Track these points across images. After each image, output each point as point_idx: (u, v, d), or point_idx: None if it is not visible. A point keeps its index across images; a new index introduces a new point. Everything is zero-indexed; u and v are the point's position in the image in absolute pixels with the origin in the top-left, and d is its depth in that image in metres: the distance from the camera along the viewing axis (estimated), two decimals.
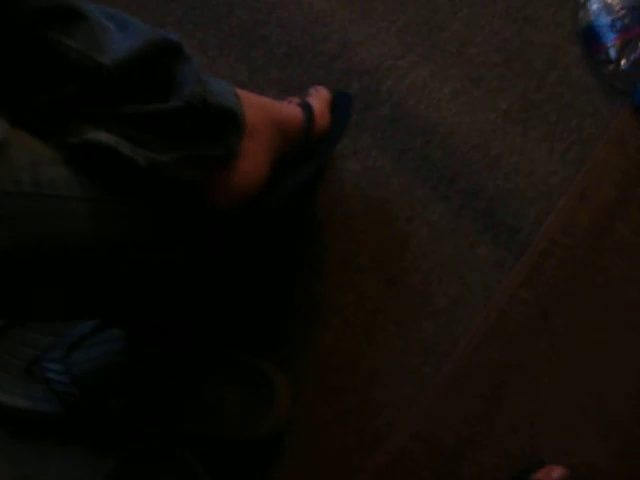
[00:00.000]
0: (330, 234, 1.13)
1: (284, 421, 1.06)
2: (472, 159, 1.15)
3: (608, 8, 1.16)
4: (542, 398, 1.09)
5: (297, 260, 1.13)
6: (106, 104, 0.73)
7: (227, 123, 0.80)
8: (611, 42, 1.16)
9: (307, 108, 0.96)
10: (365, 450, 1.08)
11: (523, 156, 1.15)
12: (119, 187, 0.76)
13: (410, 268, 1.13)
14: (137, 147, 0.74)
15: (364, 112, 1.15)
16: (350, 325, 1.11)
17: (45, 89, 0.71)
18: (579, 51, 1.19)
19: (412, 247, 1.13)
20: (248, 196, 0.85)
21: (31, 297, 0.73)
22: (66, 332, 1.06)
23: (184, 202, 0.82)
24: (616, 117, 1.17)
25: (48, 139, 0.72)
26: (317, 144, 0.97)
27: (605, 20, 1.17)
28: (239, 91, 0.84)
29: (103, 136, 0.72)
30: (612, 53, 1.16)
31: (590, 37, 1.18)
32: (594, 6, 1.17)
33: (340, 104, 1.02)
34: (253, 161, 0.84)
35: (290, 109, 0.94)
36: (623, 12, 1.16)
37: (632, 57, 1.15)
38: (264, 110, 0.87)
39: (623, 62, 1.16)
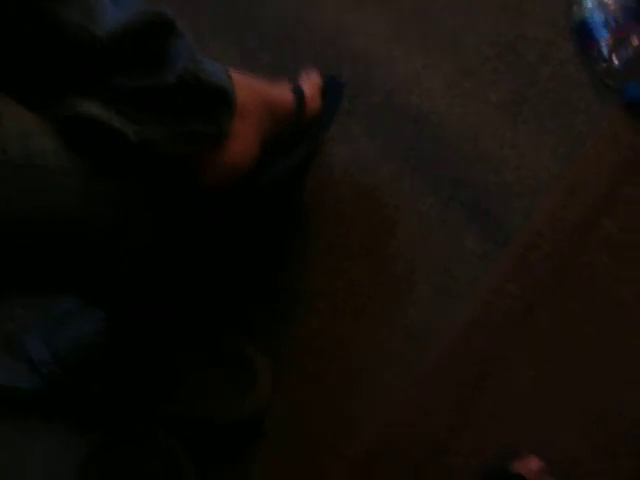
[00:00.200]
0: (319, 219, 1.14)
1: (265, 403, 1.06)
2: (462, 151, 1.15)
3: (602, 6, 1.17)
4: (525, 390, 1.10)
5: (285, 244, 1.13)
6: (98, 77, 0.73)
7: (218, 102, 0.80)
8: (604, 39, 1.16)
9: (298, 91, 0.96)
10: (346, 436, 1.08)
11: (513, 150, 1.16)
12: (109, 162, 0.75)
13: (397, 255, 1.13)
14: (128, 121, 0.74)
15: (355, 99, 1.15)
16: (336, 310, 1.12)
17: (38, 60, 0.71)
18: (572, 47, 1.19)
19: (399, 235, 1.13)
20: (237, 177, 0.85)
21: (14, 268, 0.72)
22: (49, 309, 1.06)
23: (174, 180, 0.82)
24: (607, 114, 1.17)
25: (39, 111, 0.72)
26: (307, 128, 0.97)
27: (599, 17, 1.17)
28: (232, 71, 0.84)
29: (95, 109, 0.72)
30: (605, 50, 1.16)
31: (583, 34, 1.18)
32: (588, 3, 1.18)
33: (331, 89, 1.02)
34: (243, 141, 0.84)
35: (281, 91, 0.95)
36: (617, 10, 1.16)
37: (625, 55, 1.16)
38: (255, 91, 0.87)
39: (615, 60, 1.16)
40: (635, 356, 1.11)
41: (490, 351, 1.11)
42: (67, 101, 0.72)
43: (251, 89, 0.87)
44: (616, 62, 1.16)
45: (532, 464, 1.04)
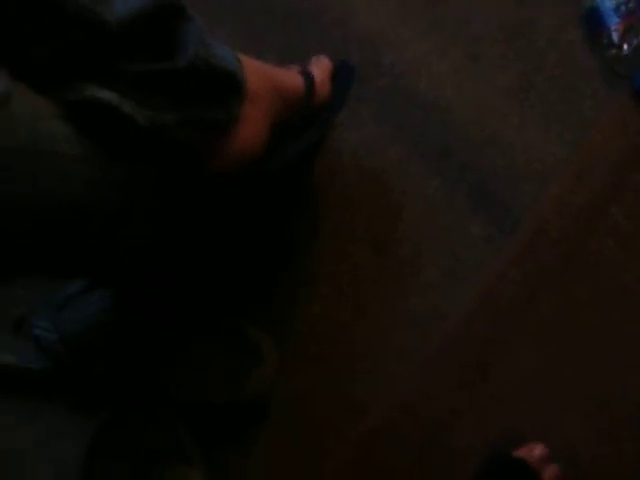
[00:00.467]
0: (326, 203, 1.14)
1: (269, 386, 1.07)
2: (469, 135, 1.15)
3: None
4: (528, 374, 1.10)
5: (292, 228, 1.13)
6: (108, 62, 0.72)
7: (229, 87, 0.80)
8: (614, 26, 1.16)
9: (308, 76, 0.96)
10: (350, 420, 1.09)
11: (520, 135, 1.15)
12: (119, 147, 0.75)
13: (403, 240, 1.13)
14: (138, 106, 0.73)
15: (363, 83, 1.15)
16: (340, 294, 1.12)
17: (48, 43, 0.70)
18: (581, 33, 1.19)
19: (406, 219, 1.14)
20: (247, 162, 0.85)
21: (19, 251, 0.73)
22: (56, 291, 1.07)
23: (184, 167, 0.81)
24: (615, 101, 1.17)
25: (49, 95, 0.72)
26: (317, 113, 0.97)
27: (609, 3, 1.16)
28: (241, 56, 0.83)
29: (104, 94, 0.72)
30: (615, 37, 1.16)
31: (593, 20, 1.18)
32: None
33: (341, 74, 1.01)
34: (253, 127, 0.84)
35: (291, 76, 0.94)
36: None
37: (634, 42, 1.15)
38: (265, 76, 0.87)
39: (625, 47, 1.16)
40: (637, 340, 1.11)
41: (493, 335, 1.11)
42: (76, 86, 0.72)
43: (261, 74, 0.86)
44: (626, 48, 1.15)
45: (536, 450, 1.05)
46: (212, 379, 1.06)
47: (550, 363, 1.11)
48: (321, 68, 1.00)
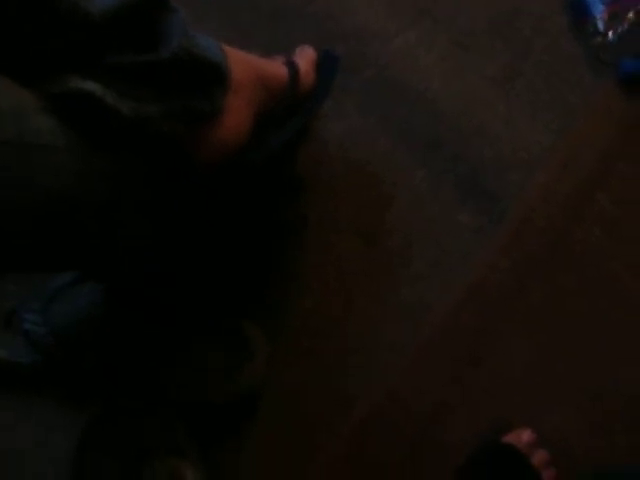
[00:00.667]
0: (312, 194, 1.14)
1: (260, 380, 1.07)
2: (455, 125, 1.16)
3: None
4: (518, 365, 1.11)
5: (278, 221, 1.14)
6: (92, 54, 0.72)
7: (212, 77, 0.80)
8: (599, 14, 1.16)
9: (292, 66, 0.96)
10: (341, 414, 1.09)
11: (506, 124, 1.16)
12: (104, 139, 0.75)
13: (391, 231, 1.13)
14: (122, 98, 0.73)
15: (349, 75, 1.15)
16: (329, 288, 1.12)
17: (30, 36, 0.70)
18: (567, 21, 1.19)
19: (393, 210, 1.14)
20: (231, 152, 0.85)
21: (8, 246, 0.73)
22: (45, 284, 1.07)
23: (168, 158, 0.82)
24: (601, 89, 1.18)
25: (33, 88, 0.72)
26: (302, 103, 0.97)
27: None
28: (225, 47, 0.84)
29: (88, 85, 0.72)
30: (600, 25, 1.16)
31: (578, 8, 1.18)
32: None
33: (325, 64, 1.02)
34: (237, 117, 0.84)
35: (275, 66, 0.94)
36: None
37: (619, 30, 1.16)
38: (249, 66, 0.87)
39: (610, 34, 1.16)
40: (628, 330, 1.12)
41: (483, 325, 1.11)
42: (61, 78, 0.72)
43: (245, 64, 0.86)
44: (611, 36, 1.16)
45: (524, 436, 1.06)
46: (203, 374, 1.06)
47: (541, 353, 1.11)
48: (305, 58, 1.00)
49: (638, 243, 1.14)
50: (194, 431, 1.05)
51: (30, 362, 1.06)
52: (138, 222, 0.83)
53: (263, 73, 0.90)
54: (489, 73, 1.17)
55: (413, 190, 1.14)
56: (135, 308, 1.04)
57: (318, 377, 1.10)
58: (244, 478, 1.08)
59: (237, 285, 1.12)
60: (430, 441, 1.09)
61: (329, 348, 1.11)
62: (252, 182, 0.95)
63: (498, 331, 1.11)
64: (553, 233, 1.13)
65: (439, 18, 1.19)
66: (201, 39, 0.79)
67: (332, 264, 1.13)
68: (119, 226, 0.81)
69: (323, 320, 1.11)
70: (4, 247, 0.71)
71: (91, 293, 1.03)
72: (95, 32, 0.71)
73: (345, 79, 1.14)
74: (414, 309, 1.12)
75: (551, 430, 1.08)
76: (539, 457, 1.05)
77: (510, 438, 1.06)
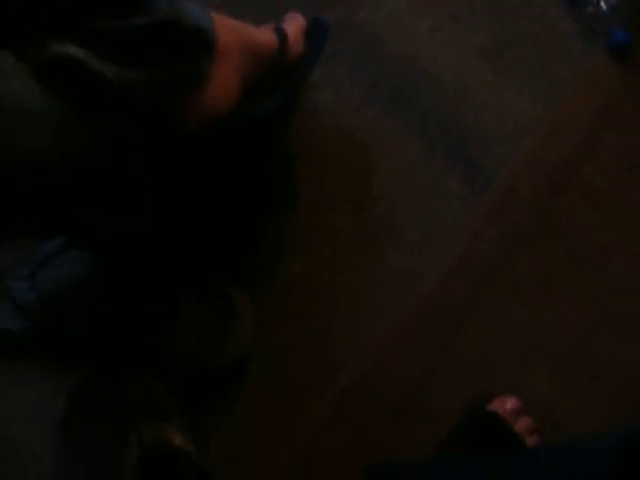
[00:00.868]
0: (302, 162, 1.14)
1: (248, 345, 1.08)
2: (444, 94, 1.16)
3: None
4: (503, 334, 1.12)
5: (269, 187, 1.14)
6: (76, 18, 0.72)
7: (199, 43, 0.80)
8: None
9: (280, 33, 0.96)
10: (328, 379, 1.10)
11: (494, 93, 1.16)
12: (89, 104, 0.75)
13: (379, 198, 1.14)
14: (107, 63, 0.73)
15: (338, 42, 1.14)
16: (319, 253, 1.13)
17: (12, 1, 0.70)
18: None
19: (382, 177, 1.14)
20: (219, 118, 0.85)
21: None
22: (32, 252, 1.07)
23: (155, 122, 0.81)
24: (590, 60, 1.18)
25: (13, 52, 0.72)
26: (291, 70, 0.97)
27: None
28: (212, 13, 0.83)
29: (72, 49, 0.72)
30: None
31: None
32: None
33: (315, 31, 1.01)
34: (224, 83, 0.84)
35: (263, 33, 0.94)
36: None
37: (611, 0, 1.15)
38: (237, 33, 0.87)
39: (603, 4, 1.16)
40: (612, 302, 1.13)
41: (468, 294, 1.12)
42: (45, 42, 0.71)
43: (233, 31, 0.86)
44: (604, 6, 1.15)
45: (508, 403, 1.07)
46: (190, 339, 1.06)
47: (525, 323, 1.12)
48: (294, 25, 1.00)
49: (624, 215, 1.15)
50: (183, 395, 1.06)
51: (18, 329, 1.06)
52: (122, 184, 0.83)
53: (251, 40, 0.89)
54: (477, 42, 1.17)
55: (402, 157, 1.14)
56: (123, 274, 1.05)
57: (306, 342, 1.11)
58: (232, 441, 1.08)
59: (226, 249, 1.12)
60: (416, 407, 1.10)
61: (317, 313, 1.12)
62: (242, 146, 0.95)
63: (484, 301, 1.12)
64: (538, 203, 1.14)
65: None
66: (187, 5, 0.78)
67: (322, 231, 1.13)
68: (111, 192, 0.81)
69: (311, 285, 1.12)
70: None
71: (78, 259, 1.03)
72: None
73: (334, 46, 1.13)
74: (402, 276, 1.12)
75: (535, 397, 1.09)
76: (523, 424, 1.06)
77: (494, 405, 1.07)
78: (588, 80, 1.17)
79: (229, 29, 0.85)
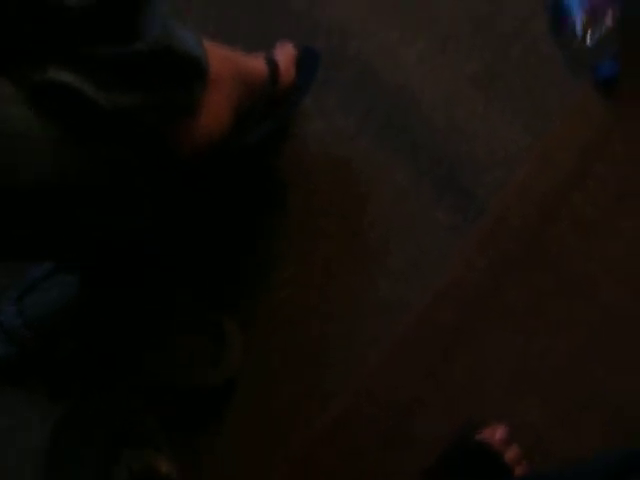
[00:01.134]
0: (292, 191, 1.14)
1: (234, 370, 1.08)
2: (435, 123, 1.16)
3: None
4: (493, 363, 1.12)
5: (259, 214, 1.14)
6: (70, 43, 0.72)
7: (191, 71, 0.80)
8: (578, 17, 1.17)
9: (271, 62, 0.96)
10: (315, 407, 1.10)
11: (485, 123, 1.17)
12: (81, 130, 0.75)
13: (369, 227, 1.14)
14: (100, 89, 0.73)
15: (329, 71, 1.15)
16: (307, 281, 1.13)
17: (7, 26, 0.70)
18: (547, 24, 1.20)
19: (373, 207, 1.15)
20: (210, 145, 0.85)
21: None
22: (20, 275, 1.06)
23: (146, 149, 0.82)
24: (579, 92, 1.19)
25: (8, 77, 0.72)
26: (282, 99, 0.97)
27: None
28: (204, 41, 0.84)
29: (66, 76, 0.72)
30: (578, 28, 1.16)
31: (558, 10, 1.19)
32: None
33: (306, 60, 1.02)
34: (216, 111, 0.85)
35: (254, 62, 0.95)
36: None
37: (597, 34, 1.16)
38: (228, 61, 0.87)
39: (588, 38, 1.17)
40: (602, 332, 1.13)
41: (458, 322, 1.12)
42: (39, 68, 0.72)
43: (224, 59, 0.86)
44: (589, 40, 1.16)
45: (498, 432, 1.06)
46: (177, 364, 1.06)
47: (514, 352, 1.12)
48: (285, 54, 1.00)
49: (614, 244, 1.15)
50: (170, 419, 1.06)
51: (4, 353, 1.06)
52: (115, 209, 0.83)
53: (242, 68, 0.90)
54: (469, 73, 1.18)
55: (393, 188, 1.15)
56: (112, 299, 1.04)
57: (291, 368, 1.11)
58: (224, 463, 1.08)
59: (213, 275, 1.12)
60: (404, 436, 1.09)
61: (305, 340, 1.12)
62: (231, 175, 0.95)
63: (474, 329, 1.12)
64: (528, 232, 1.14)
65: (421, 17, 1.19)
66: (181, 32, 0.79)
67: (311, 260, 1.13)
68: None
69: (300, 311, 1.12)
70: None
71: (66, 283, 1.03)
72: (74, 21, 0.71)
73: (326, 76, 1.14)
74: (391, 305, 1.12)
75: (524, 426, 1.09)
76: (512, 453, 1.06)
77: (484, 434, 1.06)
78: (577, 111, 1.18)
79: (221, 57, 0.86)
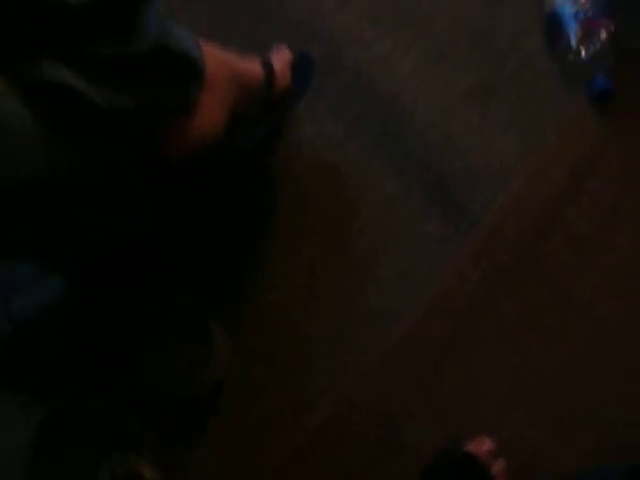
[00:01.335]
0: (282, 196, 1.14)
1: (222, 375, 1.07)
2: (428, 135, 1.16)
3: None
4: (483, 376, 1.11)
5: (248, 219, 1.14)
6: (68, 42, 0.72)
7: (188, 71, 0.81)
8: (573, 32, 1.17)
9: (267, 66, 0.97)
10: (301, 415, 1.09)
11: (479, 136, 1.17)
12: (74, 127, 0.75)
13: (359, 236, 1.14)
14: (96, 88, 0.73)
15: (325, 78, 1.15)
16: (294, 288, 1.12)
17: (7, 23, 0.70)
18: (543, 38, 1.20)
19: (362, 215, 1.14)
20: (202, 147, 0.85)
21: None
22: (6, 274, 1.05)
23: (140, 148, 0.81)
24: (573, 106, 1.19)
25: (3, 73, 0.71)
26: (277, 103, 0.97)
27: (569, 10, 1.18)
28: (201, 43, 0.84)
29: (63, 74, 0.72)
30: (573, 42, 1.17)
31: (553, 25, 1.20)
32: None
33: (302, 65, 1.02)
34: (210, 113, 0.85)
35: (250, 65, 0.95)
36: (587, 4, 1.18)
37: (592, 49, 1.17)
38: (224, 63, 0.88)
39: (583, 52, 1.17)
40: (598, 349, 1.12)
41: (449, 335, 1.12)
42: (36, 66, 0.71)
43: (220, 61, 0.87)
44: (584, 54, 1.17)
45: (484, 445, 1.05)
46: (164, 371, 1.05)
47: (506, 366, 1.11)
48: (281, 58, 1.01)
49: (608, 260, 1.14)
50: (154, 427, 1.05)
51: None
52: (108, 208, 0.82)
53: (238, 71, 0.90)
54: (464, 86, 1.18)
55: (382, 197, 1.15)
56: (104, 299, 1.04)
57: (276, 376, 1.10)
58: (206, 474, 1.07)
59: (202, 281, 1.11)
60: (390, 447, 1.08)
61: (291, 350, 1.11)
62: (224, 177, 0.95)
63: (466, 342, 1.12)
64: (523, 246, 1.14)
65: (418, 29, 1.20)
66: (179, 33, 0.79)
67: (300, 265, 1.13)
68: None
69: (285, 321, 1.11)
70: None
71: (51, 282, 1.02)
72: (72, 21, 0.71)
73: (320, 81, 1.14)
74: (379, 314, 1.12)
75: (506, 433, 1.08)
76: (498, 467, 1.05)
77: (471, 447, 1.05)
78: (572, 125, 1.18)
79: (218, 59, 0.86)
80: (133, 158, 0.81)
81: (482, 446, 1.05)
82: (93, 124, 0.75)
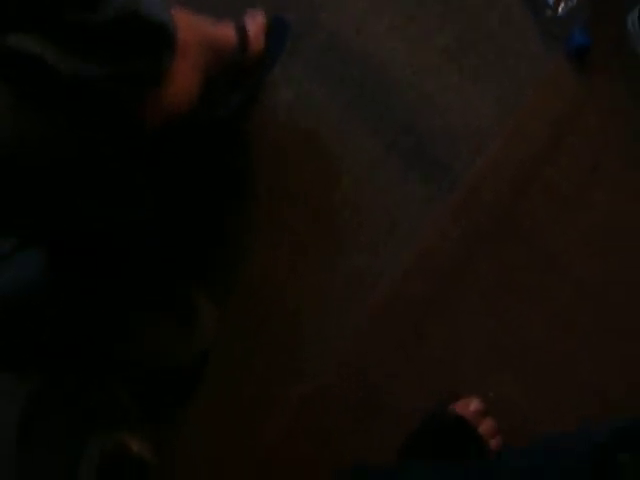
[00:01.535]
0: (261, 163, 1.13)
1: (208, 345, 1.07)
2: (406, 94, 1.15)
3: None
4: (463, 334, 1.12)
5: (227, 188, 1.12)
6: (34, 11, 0.70)
7: (159, 39, 0.79)
8: None
9: (241, 30, 0.95)
10: (287, 384, 1.09)
11: (457, 95, 1.16)
12: (43, 97, 0.73)
13: (340, 200, 1.13)
14: (62, 57, 0.72)
15: (299, 40, 1.13)
16: (277, 256, 1.12)
17: None
18: None
19: (342, 179, 1.13)
20: (177, 115, 0.84)
21: None
22: None
23: (113, 117, 0.80)
24: (551, 62, 1.18)
25: None
26: (251, 69, 0.96)
27: None
28: (172, 9, 0.82)
29: (28, 43, 0.70)
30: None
31: None
32: None
33: (276, 30, 1.01)
34: (183, 80, 0.83)
35: (223, 30, 0.94)
36: None
37: (569, 4, 1.16)
38: (197, 29, 0.86)
39: (560, 8, 1.16)
40: (575, 308, 1.13)
41: (430, 295, 1.12)
42: (1, 34, 0.70)
43: (193, 27, 0.85)
44: (561, 10, 1.16)
45: (471, 405, 1.06)
46: (150, 341, 1.05)
47: (484, 322, 1.12)
48: (255, 23, 0.99)
49: (587, 218, 1.15)
50: (143, 400, 1.05)
51: None
52: (80, 176, 0.81)
53: (211, 36, 0.89)
54: (441, 44, 1.17)
55: (362, 159, 1.14)
56: (84, 275, 1.03)
57: (262, 345, 1.10)
58: (193, 450, 1.07)
59: (186, 251, 1.10)
60: (377, 410, 1.09)
61: (274, 317, 1.11)
62: (200, 143, 0.94)
63: (445, 300, 1.12)
64: (500, 206, 1.14)
65: None
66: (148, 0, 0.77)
67: (282, 232, 1.12)
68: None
69: (270, 288, 1.11)
70: None
71: (32, 259, 1.01)
72: None
73: (295, 44, 1.12)
74: (361, 278, 1.12)
75: (490, 392, 1.09)
76: (486, 426, 1.06)
77: (458, 407, 1.06)
78: (549, 82, 1.18)
79: (190, 25, 0.84)
80: (107, 130, 0.80)
81: (469, 406, 1.06)
82: (60, 93, 0.73)
